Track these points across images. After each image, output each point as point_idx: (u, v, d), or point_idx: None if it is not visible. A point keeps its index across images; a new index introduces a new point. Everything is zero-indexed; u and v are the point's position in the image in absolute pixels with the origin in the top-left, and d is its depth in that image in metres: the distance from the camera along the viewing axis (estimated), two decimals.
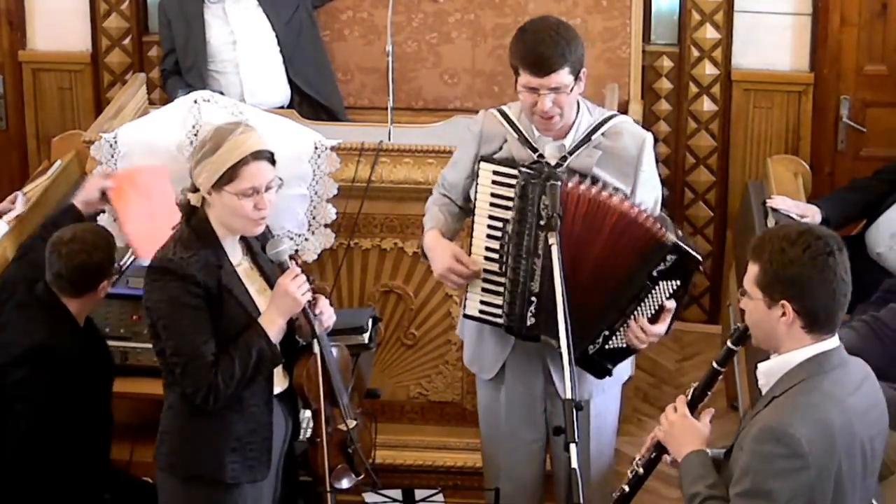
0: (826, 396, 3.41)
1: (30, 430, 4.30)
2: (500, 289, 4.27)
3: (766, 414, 3.45)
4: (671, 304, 4.19)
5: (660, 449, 3.75)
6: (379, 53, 6.05)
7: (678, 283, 4.16)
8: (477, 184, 4.26)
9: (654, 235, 4.12)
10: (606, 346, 4.24)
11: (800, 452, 3.34)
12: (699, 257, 4.16)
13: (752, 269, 3.48)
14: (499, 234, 4.24)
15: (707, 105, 6.62)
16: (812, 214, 5.66)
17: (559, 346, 3.82)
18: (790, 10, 6.51)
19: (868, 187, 5.89)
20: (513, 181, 4.19)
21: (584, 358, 4.23)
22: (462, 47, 6.51)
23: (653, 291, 4.16)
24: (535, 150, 4.26)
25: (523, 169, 4.18)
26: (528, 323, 4.24)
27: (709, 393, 3.73)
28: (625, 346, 4.24)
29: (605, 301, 4.19)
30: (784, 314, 3.43)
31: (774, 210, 5.63)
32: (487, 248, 4.26)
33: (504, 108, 4.37)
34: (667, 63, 6.63)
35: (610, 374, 4.31)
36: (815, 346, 3.46)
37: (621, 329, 4.21)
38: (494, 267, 4.26)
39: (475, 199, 4.27)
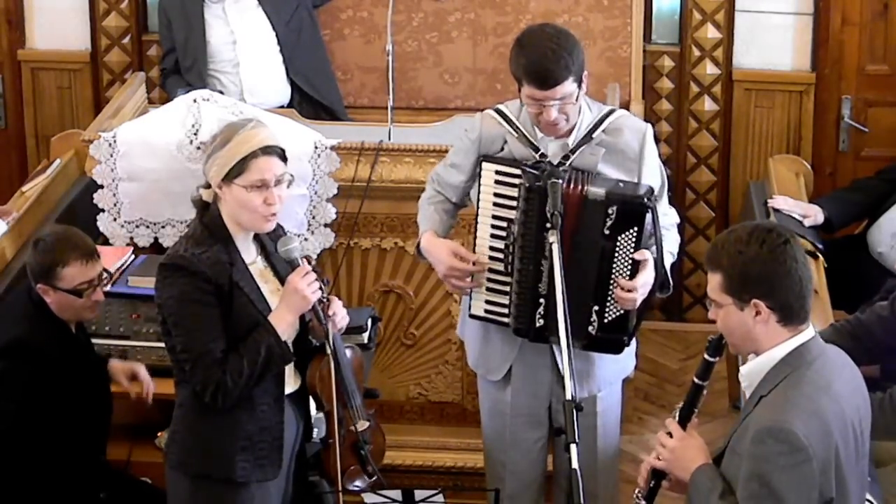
0: (815, 386, 3.42)
1: (14, 424, 4.29)
2: (506, 288, 4.25)
3: (757, 414, 3.44)
4: (640, 255, 4.14)
5: (657, 476, 3.71)
6: (379, 53, 6.03)
7: (635, 230, 4.12)
8: (479, 184, 4.24)
9: (585, 197, 4.10)
10: (605, 320, 4.20)
11: (800, 446, 3.33)
12: (639, 195, 4.12)
13: (714, 279, 3.48)
14: (503, 233, 4.22)
15: (708, 105, 6.61)
16: (814, 214, 5.66)
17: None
18: (791, 9, 6.50)
19: (870, 187, 5.88)
20: (516, 181, 4.17)
21: (591, 341, 4.22)
22: (462, 46, 6.49)
23: (616, 249, 4.13)
24: (536, 148, 4.24)
25: (527, 169, 4.16)
26: (538, 325, 4.22)
27: (695, 410, 3.67)
28: (621, 311, 4.20)
29: (583, 279, 4.16)
30: (758, 313, 3.43)
31: (776, 210, 5.62)
32: (491, 248, 4.25)
33: (501, 107, 4.33)
34: (668, 62, 6.62)
35: (627, 344, 4.28)
36: (793, 339, 3.47)
37: (609, 298, 4.18)
38: (499, 266, 4.25)
39: (478, 200, 4.26)
